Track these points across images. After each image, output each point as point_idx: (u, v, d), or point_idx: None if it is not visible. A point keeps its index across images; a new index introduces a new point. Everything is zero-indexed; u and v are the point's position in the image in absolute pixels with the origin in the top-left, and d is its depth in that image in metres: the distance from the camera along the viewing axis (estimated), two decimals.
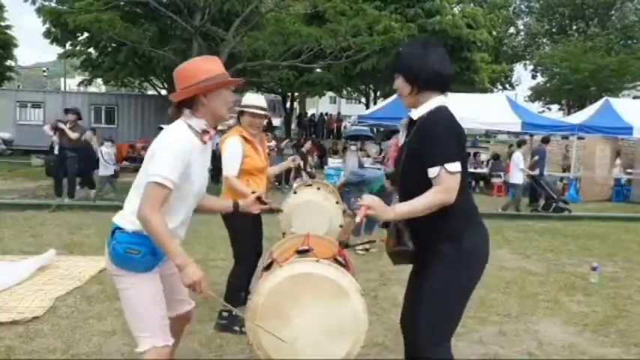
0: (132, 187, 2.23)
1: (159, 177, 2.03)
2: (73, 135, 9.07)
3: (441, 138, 2.11)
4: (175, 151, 2.08)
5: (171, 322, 2.44)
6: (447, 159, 2.07)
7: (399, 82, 2.26)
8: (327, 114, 31.76)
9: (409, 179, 2.22)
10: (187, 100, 2.20)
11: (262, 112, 3.73)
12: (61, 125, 9.12)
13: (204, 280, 2.08)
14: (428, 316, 2.21)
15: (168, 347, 2.20)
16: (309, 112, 35.94)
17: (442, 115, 2.16)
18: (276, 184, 11.76)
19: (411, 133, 2.24)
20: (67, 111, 9.47)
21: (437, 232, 2.19)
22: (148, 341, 2.15)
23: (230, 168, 3.57)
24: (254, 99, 3.75)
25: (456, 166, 2.07)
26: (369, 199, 2.13)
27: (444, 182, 2.07)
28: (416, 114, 2.23)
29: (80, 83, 22.99)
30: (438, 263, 2.19)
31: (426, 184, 2.12)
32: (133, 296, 2.17)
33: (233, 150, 3.59)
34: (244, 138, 3.63)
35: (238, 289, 3.70)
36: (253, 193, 2.68)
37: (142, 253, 2.12)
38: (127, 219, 2.17)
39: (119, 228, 2.16)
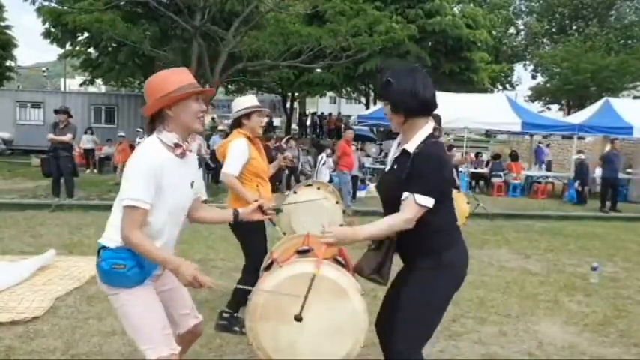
0: (114, 204, 2.21)
1: (130, 200, 2.03)
2: (66, 138, 9.06)
3: (426, 172, 2.21)
4: (145, 169, 2.06)
5: (180, 339, 2.39)
6: (421, 190, 2.17)
7: (388, 110, 2.36)
8: (330, 114, 31.77)
9: (396, 204, 2.27)
10: (157, 114, 2.18)
11: (263, 110, 3.74)
12: (51, 136, 9.10)
13: (201, 273, 2.07)
14: (403, 324, 2.31)
15: (175, 355, 2.18)
16: (309, 111, 35.92)
17: (433, 151, 2.26)
18: (276, 183, 11.70)
19: (404, 164, 2.28)
20: (56, 111, 9.43)
21: (417, 249, 2.31)
22: (153, 352, 2.14)
23: (231, 167, 3.53)
24: (251, 100, 3.74)
25: (425, 200, 2.17)
26: (330, 234, 2.21)
27: (409, 210, 2.18)
28: (410, 146, 2.29)
29: (82, 84, 22.98)
30: (417, 276, 2.32)
31: None
32: (129, 312, 2.16)
33: (239, 150, 3.55)
34: (249, 139, 3.61)
35: (245, 294, 3.67)
36: (255, 201, 2.64)
37: (128, 267, 2.11)
38: (108, 236, 2.16)
39: (103, 247, 2.16)
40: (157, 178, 2.07)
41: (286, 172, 12.12)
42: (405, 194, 2.19)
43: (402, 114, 2.30)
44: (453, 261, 2.32)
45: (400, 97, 2.28)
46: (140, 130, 13.92)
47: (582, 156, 13.61)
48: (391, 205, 2.29)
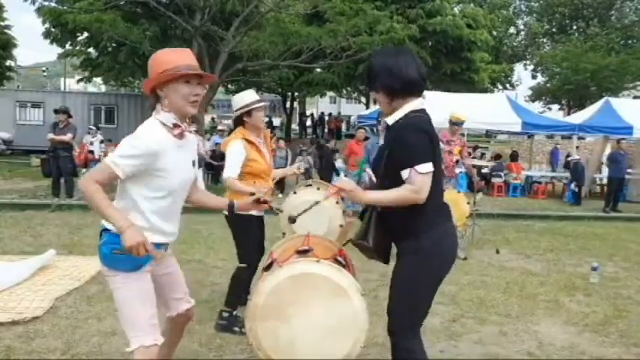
0: (117, 191, 2.23)
1: (110, 159, 2.07)
2: (66, 137, 9.06)
3: (410, 142, 2.25)
4: (137, 144, 2.08)
5: (172, 321, 2.46)
6: (416, 161, 2.21)
7: (375, 94, 2.41)
8: (330, 114, 31.78)
9: (386, 180, 2.32)
10: (154, 94, 2.17)
11: (263, 104, 3.72)
12: (51, 135, 9.10)
13: (148, 242, 2.02)
14: (395, 308, 2.37)
15: (157, 346, 2.20)
16: (310, 111, 35.95)
17: (412, 120, 2.29)
18: (277, 191, 11.39)
19: (387, 138, 2.39)
20: (56, 111, 9.44)
21: (399, 231, 2.34)
22: (137, 340, 2.16)
23: (230, 170, 3.54)
24: (251, 95, 3.70)
25: (425, 167, 2.20)
26: (342, 182, 2.28)
27: (415, 182, 2.21)
28: (391, 120, 2.36)
29: (80, 80, 22.98)
30: (401, 261, 2.36)
31: (401, 184, 2.26)
32: (122, 296, 2.18)
33: (235, 152, 3.55)
34: (247, 141, 3.60)
35: (241, 291, 3.68)
36: (252, 195, 2.65)
37: (128, 252, 2.09)
38: None
39: (106, 229, 2.18)
40: (148, 156, 2.08)
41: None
42: (405, 172, 2.22)
43: (387, 94, 2.33)
44: (435, 242, 2.31)
45: (382, 77, 2.31)
46: (92, 127, 13.67)
47: (577, 156, 13.61)
48: (383, 179, 2.33)
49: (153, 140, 2.10)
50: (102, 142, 12.80)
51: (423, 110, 2.34)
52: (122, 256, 2.10)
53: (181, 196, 2.30)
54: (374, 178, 6.63)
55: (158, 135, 2.13)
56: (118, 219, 2.03)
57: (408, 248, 2.31)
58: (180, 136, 2.19)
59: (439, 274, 2.36)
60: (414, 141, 2.23)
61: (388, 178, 2.30)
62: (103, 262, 2.18)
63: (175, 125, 2.16)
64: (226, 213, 3.50)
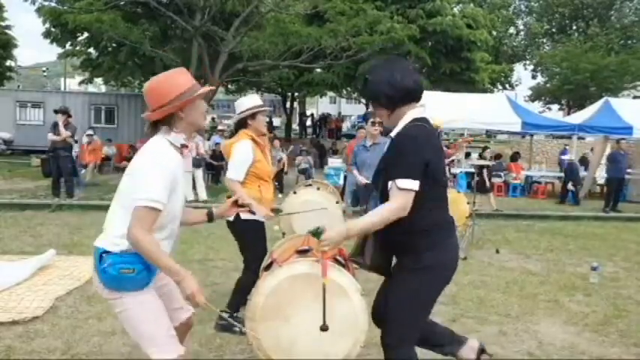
0: (113, 205, 2.18)
1: (149, 201, 1.99)
2: (65, 134, 9.07)
3: (401, 155, 2.22)
4: (163, 170, 2.06)
5: (175, 331, 2.43)
6: (399, 175, 2.16)
7: (375, 105, 2.40)
8: (328, 115, 31.79)
9: (386, 191, 2.28)
10: (163, 118, 2.17)
11: (267, 109, 3.78)
12: (58, 121, 9.14)
13: (201, 292, 2.07)
14: (391, 322, 2.34)
15: (181, 357, 2.18)
16: (310, 111, 35.95)
17: (412, 132, 2.25)
18: (277, 191, 11.50)
19: (387, 149, 2.38)
20: (56, 111, 9.44)
21: (400, 247, 2.32)
22: (158, 355, 2.12)
23: (235, 172, 3.55)
24: (255, 100, 3.74)
25: (406, 183, 2.15)
26: (326, 242, 2.24)
27: (393, 197, 2.18)
28: (394, 132, 2.34)
29: (81, 82, 22.97)
30: (400, 276, 2.34)
31: None
32: (133, 316, 2.13)
33: (244, 156, 3.56)
34: (255, 141, 3.61)
35: (245, 294, 3.67)
36: (229, 197, 2.65)
37: (136, 270, 2.07)
38: (111, 241, 2.10)
39: (106, 252, 2.09)
40: (172, 180, 2.09)
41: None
42: (389, 183, 2.20)
43: (386, 106, 2.33)
44: (437, 260, 2.28)
45: (380, 90, 2.30)
46: (91, 132, 13.29)
47: (573, 156, 13.61)
48: (382, 194, 2.31)
49: (170, 158, 2.13)
50: (88, 143, 12.64)
51: (424, 119, 2.31)
52: (130, 275, 2.06)
53: (180, 214, 2.30)
54: (359, 178, 6.58)
55: (171, 153, 2.16)
56: (175, 271, 2.03)
57: (408, 264, 2.30)
58: (182, 154, 2.24)
59: (438, 289, 2.37)
60: (406, 155, 2.20)
61: (385, 191, 2.26)
62: (108, 285, 2.09)
63: (183, 146, 2.22)
64: (230, 220, 3.50)
